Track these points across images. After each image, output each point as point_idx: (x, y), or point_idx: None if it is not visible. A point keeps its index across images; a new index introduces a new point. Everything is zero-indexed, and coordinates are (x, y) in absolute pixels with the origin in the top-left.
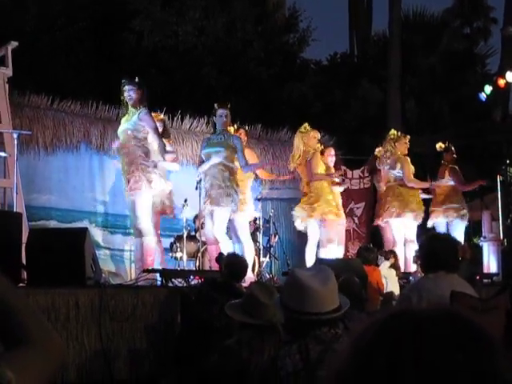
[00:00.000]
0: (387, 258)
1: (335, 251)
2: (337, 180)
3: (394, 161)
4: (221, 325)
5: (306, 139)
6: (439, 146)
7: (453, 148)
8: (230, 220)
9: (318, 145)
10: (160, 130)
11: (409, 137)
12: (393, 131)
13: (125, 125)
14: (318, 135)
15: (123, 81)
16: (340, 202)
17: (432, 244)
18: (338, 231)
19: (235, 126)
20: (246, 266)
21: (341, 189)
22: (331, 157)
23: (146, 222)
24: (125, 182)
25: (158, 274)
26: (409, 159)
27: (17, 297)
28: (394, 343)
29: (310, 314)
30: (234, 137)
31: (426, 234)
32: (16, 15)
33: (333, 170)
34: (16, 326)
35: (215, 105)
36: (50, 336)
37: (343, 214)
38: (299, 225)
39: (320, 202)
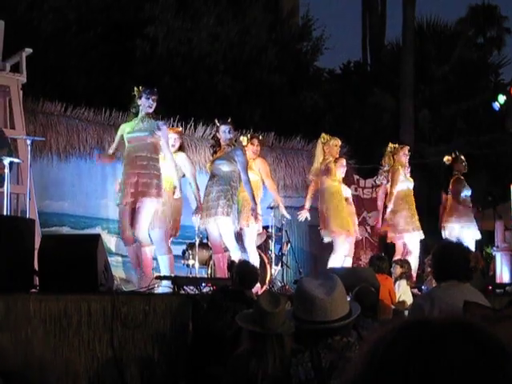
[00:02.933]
0: (402, 267)
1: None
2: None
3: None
4: (232, 333)
5: (328, 149)
6: (446, 158)
7: (462, 157)
8: (240, 229)
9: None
10: (177, 143)
11: (408, 147)
12: (390, 145)
13: (137, 132)
14: (338, 143)
15: (147, 89)
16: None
17: (443, 253)
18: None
19: (248, 135)
20: (257, 274)
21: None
22: (343, 168)
23: (145, 231)
24: (126, 187)
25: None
26: (400, 170)
27: None
28: (409, 353)
29: (318, 323)
30: (237, 150)
31: (438, 243)
32: (30, 22)
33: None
34: None
35: (217, 121)
36: None
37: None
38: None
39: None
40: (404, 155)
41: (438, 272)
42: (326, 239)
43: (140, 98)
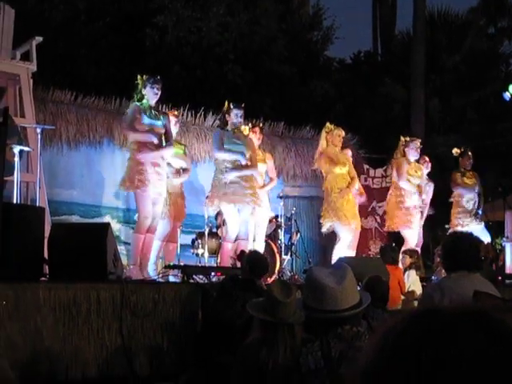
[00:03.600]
0: (411, 257)
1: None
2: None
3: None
4: (242, 322)
5: (330, 138)
6: (455, 151)
7: (470, 153)
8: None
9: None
10: (177, 126)
11: (419, 140)
12: (402, 138)
13: (159, 122)
14: (342, 133)
15: (150, 78)
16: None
17: (454, 243)
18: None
19: (250, 124)
20: (267, 263)
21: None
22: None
23: None
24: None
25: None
26: (404, 164)
27: None
28: (419, 342)
29: (329, 312)
30: (249, 139)
31: (448, 234)
32: (41, 11)
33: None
34: None
35: (230, 104)
36: None
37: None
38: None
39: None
40: (413, 148)
41: (448, 262)
42: (324, 228)
43: (144, 87)
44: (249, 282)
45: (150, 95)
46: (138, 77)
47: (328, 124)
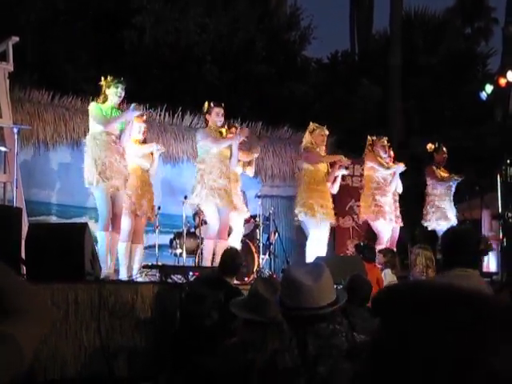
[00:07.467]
0: (385, 256)
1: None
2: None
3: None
4: (212, 322)
5: (314, 138)
6: (429, 146)
7: (444, 149)
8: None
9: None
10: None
11: (386, 138)
12: (369, 138)
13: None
14: (325, 132)
15: (114, 79)
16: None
17: (450, 239)
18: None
19: (226, 126)
20: (239, 262)
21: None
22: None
23: None
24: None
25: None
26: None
27: (5, 274)
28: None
29: (305, 310)
30: None
31: (447, 229)
32: (18, 10)
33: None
34: (6, 301)
35: (210, 103)
36: (40, 305)
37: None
38: None
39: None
40: (381, 147)
41: (447, 258)
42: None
43: (109, 87)
44: (217, 280)
45: (114, 96)
46: (102, 78)
47: (311, 123)
